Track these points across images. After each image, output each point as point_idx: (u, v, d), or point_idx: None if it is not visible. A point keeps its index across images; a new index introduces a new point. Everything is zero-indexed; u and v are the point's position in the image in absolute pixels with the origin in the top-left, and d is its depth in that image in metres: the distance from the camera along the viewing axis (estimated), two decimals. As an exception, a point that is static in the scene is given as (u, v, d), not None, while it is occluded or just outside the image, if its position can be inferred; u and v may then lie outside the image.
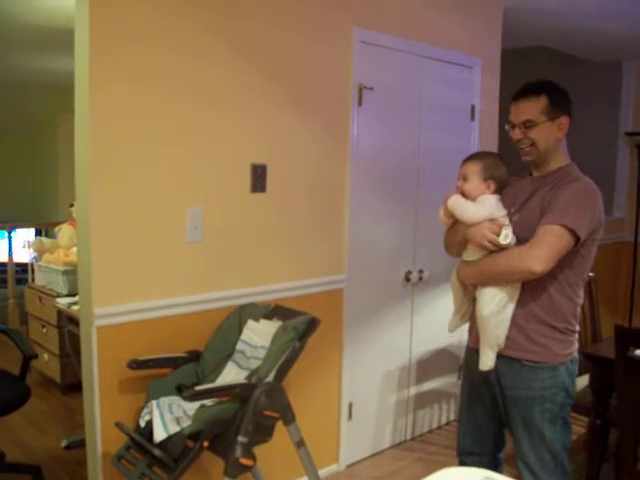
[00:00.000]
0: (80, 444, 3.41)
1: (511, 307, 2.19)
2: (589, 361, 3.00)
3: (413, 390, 3.83)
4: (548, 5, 3.86)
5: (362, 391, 3.53)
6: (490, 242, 2.13)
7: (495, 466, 2.43)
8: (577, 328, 2.26)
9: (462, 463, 2.49)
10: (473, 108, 3.89)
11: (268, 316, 2.61)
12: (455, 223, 2.31)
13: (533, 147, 2.22)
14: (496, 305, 2.17)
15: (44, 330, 4.45)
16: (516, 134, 2.24)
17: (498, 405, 2.33)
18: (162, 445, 2.17)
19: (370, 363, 3.55)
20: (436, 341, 3.88)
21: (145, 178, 2.53)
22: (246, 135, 2.84)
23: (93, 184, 2.40)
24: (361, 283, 3.41)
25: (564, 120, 2.21)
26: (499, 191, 2.25)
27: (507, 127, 2.28)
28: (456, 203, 2.22)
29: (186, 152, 2.64)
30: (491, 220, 2.16)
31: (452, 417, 4.10)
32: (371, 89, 3.26)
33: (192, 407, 2.32)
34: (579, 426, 3.41)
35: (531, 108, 2.20)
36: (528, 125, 2.20)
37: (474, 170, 2.24)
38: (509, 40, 4.18)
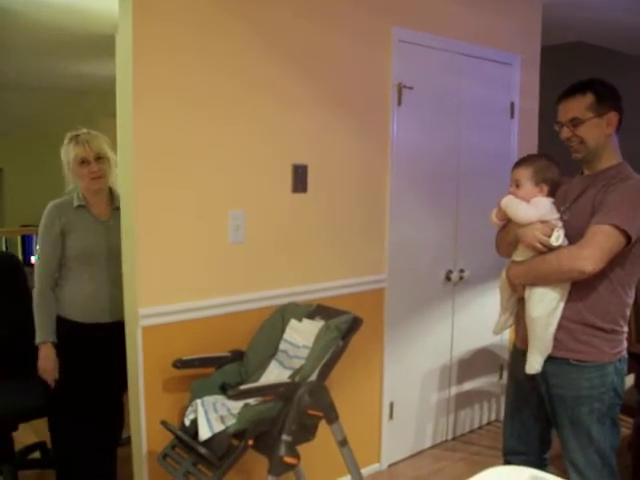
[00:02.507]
0: (124, 442, 3.46)
1: (561, 308, 2.17)
2: (634, 360, 2.95)
3: (454, 390, 3.81)
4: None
5: (403, 391, 3.52)
6: (541, 243, 2.12)
7: (541, 466, 2.41)
8: (625, 329, 2.23)
9: (507, 463, 2.47)
10: (512, 106, 3.85)
11: (310, 315, 2.62)
12: (507, 223, 2.30)
13: (582, 145, 2.20)
14: (546, 306, 2.15)
15: (88, 330, 4.51)
16: (564, 133, 2.23)
17: (544, 405, 2.31)
18: (207, 443, 2.19)
19: (411, 362, 3.54)
20: (477, 340, 3.85)
21: (188, 179, 2.56)
22: (287, 135, 2.85)
23: (138, 187, 2.44)
24: (402, 282, 3.41)
25: (612, 116, 2.19)
26: (552, 193, 2.23)
27: (556, 127, 2.27)
28: (510, 202, 2.22)
29: (227, 153, 2.67)
30: (543, 222, 2.15)
31: (493, 417, 4.07)
32: (411, 88, 3.25)
33: (236, 406, 2.34)
34: (624, 427, 3.35)
35: (577, 106, 2.19)
36: (575, 123, 2.19)
37: (525, 175, 2.22)
38: (548, 36, 4.12)
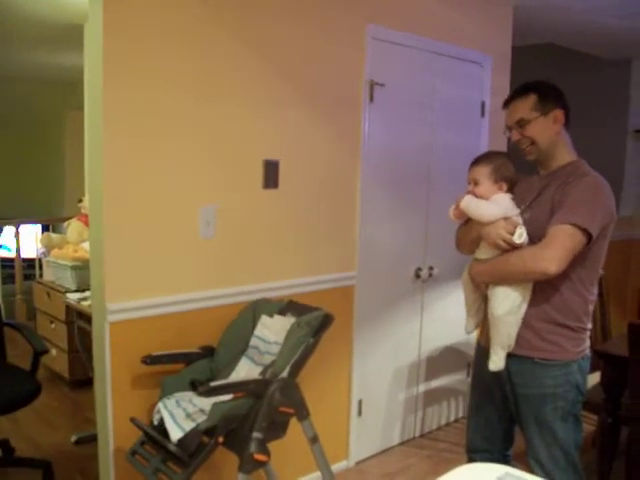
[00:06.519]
0: (89, 439, 3.42)
1: (524, 307, 2.18)
2: (600, 359, 2.99)
3: (422, 387, 3.83)
4: (558, 2, 3.85)
5: (372, 388, 3.53)
6: (505, 241, 2.13)
7: (504, 463, 2.42)
8: (589, 326, 2.25)
9: (471, 460, 2.48)
10: (483, 105, 3.88)
11: (282, 312, 2.61)
12: (468, 221, 2.30)
13: (534, 145, 2.22)
14: (509, 305, 2.16)
15: (52, 325, 4.46)
16: (514, 135, 2.26)
17: (508, 403, 2.33)
18: (178, 441, 2.17)
19: (380, 360, 3.55)
20: (445, 338, 3.88)
21: (157, 174, 2.53)
22: (258, 131, 2.83)
23: (106, 180, 2.40)
24: (371, 280, 3.41)
25: (558, 113, 2.22)
26: (510, 191, 2.23)
27: (506, 133, 2.31)
28: (470, 203, 2.20)
29: (198, 148, 2.64)
30: (505, 219, 2.15)
31: (461, 414, 4.10)
32: (382, 85, 3.25)
33: (205, 402, 2.31)
34: (588, 424, 3.40)
35: (522, 107, 2.23)
36: (522, 124, 2.22)
37: (484, 173, 2.21)
38: (518, 37, 4.16)
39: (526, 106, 2.22)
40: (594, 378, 3.18)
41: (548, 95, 2.23)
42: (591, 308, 2.25)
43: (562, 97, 2.26)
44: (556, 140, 2.23)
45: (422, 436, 3.87)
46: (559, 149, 2.24)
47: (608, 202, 2.15)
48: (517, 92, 2.27)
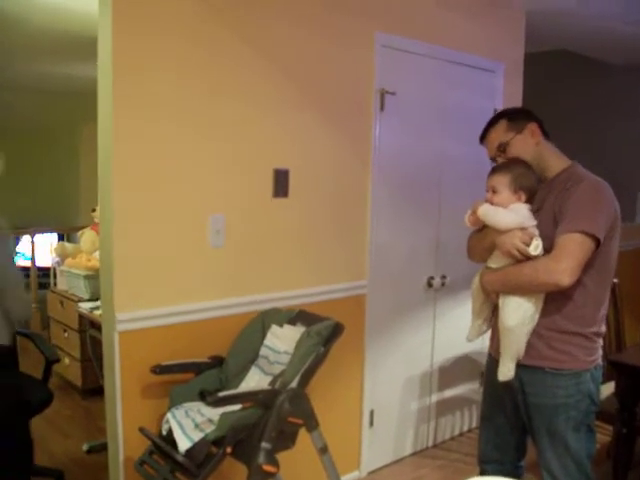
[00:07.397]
0: (101, 448, 3.41)
1: (536, 318, 2.15)
2: (615, 369, 2.96)
3: (435, 397, 3.80)
4: (570, 8, 3.83)
5: (384, 398, 3.51)
6: (519, 252, 2.11)
7: (517, 475, 2.41)
8: (603, 330, 2.22)
9: (483, 471, 2.46)
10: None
11: (292, 321, 2.60)
12: (481, 229, 2.29)
13: None
14: (522, 315, 2.13)
15: (65, 334, 4.48)
16: (499, 162, 2.28)
17: (520, 413, 2.30)
18: (186, 451, 2.16)
19: (392, 369, 3.52)
20: (458, 347, 3.84)
21: (167, 183, 2.53)
22: (268, 140, 2.83)
23: (116, 189, 2.40)
24: (383, 289, 3.39)
25: (532, 126, 2.24)
26: (529, 201, 2.20)
27: (491, 163, 2.32)
28: (487, 211, 2.17)
29: (208, 157, 2.64)
30: (522, 229, 2.13)
31: (474, 424, 4.06)
32: (393, 94, 3.24)
33: (214, 412, 2.31)
34: (603, 435, 3.36)
35: (497, 134, 2.28)
36: (502, 148, 2.25)
37: (503, 182, 2.18)
38: (530, 44, 4.14)
39: (500, 131, 2.26)
40: (609, 388, 3.14)
41: (517, 115, 2.28)
42: (603, 312, 2.22)
43: (531, 113, 2.30)
44: (539, 151, 2.23)
45: (435, 446, 3.84)
46: (547, 159, 2.24)
47: (609, 203, 2.13)
48: (487, 125, 2.33)
